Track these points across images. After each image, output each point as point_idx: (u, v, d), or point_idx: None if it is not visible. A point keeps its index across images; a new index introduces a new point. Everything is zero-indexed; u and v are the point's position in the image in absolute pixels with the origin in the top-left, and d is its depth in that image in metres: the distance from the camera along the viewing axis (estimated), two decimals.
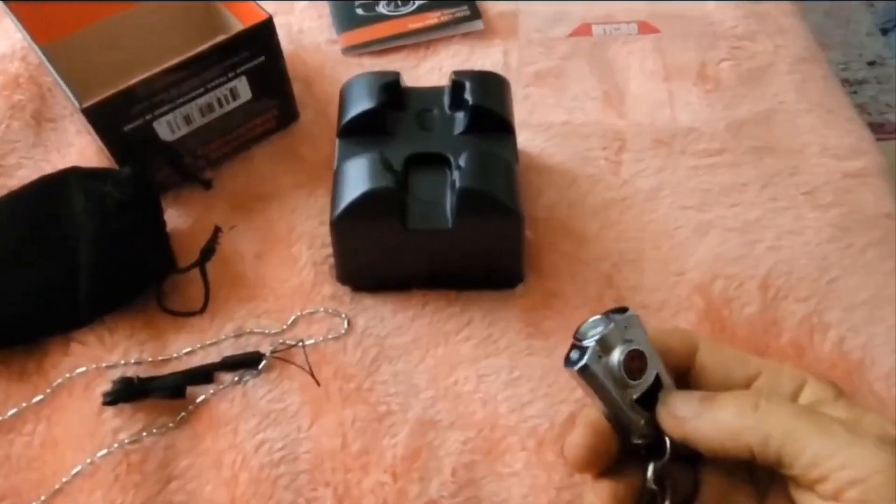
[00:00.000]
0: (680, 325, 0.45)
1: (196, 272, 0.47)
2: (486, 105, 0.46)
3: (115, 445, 0.41)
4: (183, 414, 0.42)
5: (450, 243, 0.44)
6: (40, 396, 0.43)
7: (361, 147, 0.45)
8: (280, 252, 0.49)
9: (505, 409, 0.42)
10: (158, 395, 0.42)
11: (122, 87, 0.45)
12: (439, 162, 0.44)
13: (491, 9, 0.63)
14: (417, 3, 0.63)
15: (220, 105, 0.50)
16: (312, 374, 0.43)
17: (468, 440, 0.41)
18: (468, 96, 0.46)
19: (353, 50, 0.61)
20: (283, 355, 0.44)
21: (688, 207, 0.50)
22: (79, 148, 0.55)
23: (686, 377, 0.35)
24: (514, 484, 0.40)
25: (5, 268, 0.45)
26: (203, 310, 0.46)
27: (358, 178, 0.43)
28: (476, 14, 0.62)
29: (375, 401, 0.43)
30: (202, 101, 0.49)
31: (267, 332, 0.45)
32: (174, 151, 0.50)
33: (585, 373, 0.32)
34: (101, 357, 0.44)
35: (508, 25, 0.62)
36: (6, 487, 0.40)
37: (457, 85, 0.46)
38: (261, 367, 0.43)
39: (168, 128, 0.48)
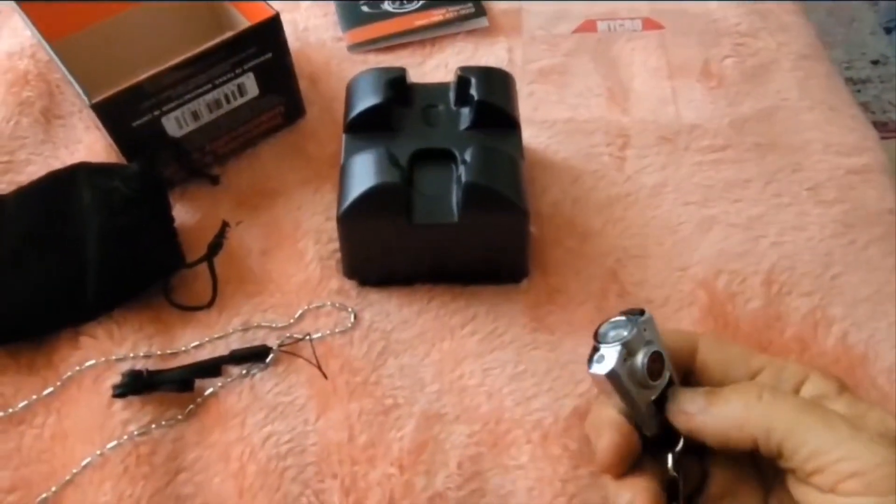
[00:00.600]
0: (684, 321, 0.46)
1: (203, 267, 0.47)
2: (491, 101, 0.46)
3: (125, 437, 0.41)
4: (191, 407, 0.43)
5: (455, 238, 0.44)
6: (50, 389, 0.43)
7: (368, 142, 0.45)
8: (287, 247, 0.49)
9: (510, 402, 0.42)
10: (167, 387, 0.42)
11: (131, 83, 0.45)
12: (445, 157, 0.44)
13: (495, 6, 0.64)
14: (422, 1, 0.63)
15: (228, 101, 0.50)
16: (320, 368, 0.44)
17: (474, 433, 0.42)
18: (474, 92, 0.46)
19: (358, 47, 0.61)
20: (290, 349, 0.44)
21: (691, 203, 0.51)
22: (87, 144, 0.55)
23: (689, 377, 0.36)
24: (520, 476, 0.40)
25: (15, 262, 0.46)
26: (211, 304, 0.47)
27: (364, 173, 0.43)
28: (480, 11, 0.62)
29: (381, 394, 0.43)
30: (210, 97, 0.49)
31: (274, 325, 0.46)
32: (182, 147, 0.50)
33: (613, 377, 0.32)
34: (110, 350, 0.44)
35: (512, 22, 0.62)
36: (17, 479, 0.41)
37: (462, 81, 0.47)
38: (268, 360, 0.44)
39: (176, 124, 0.49)
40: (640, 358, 0.33)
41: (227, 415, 0.43)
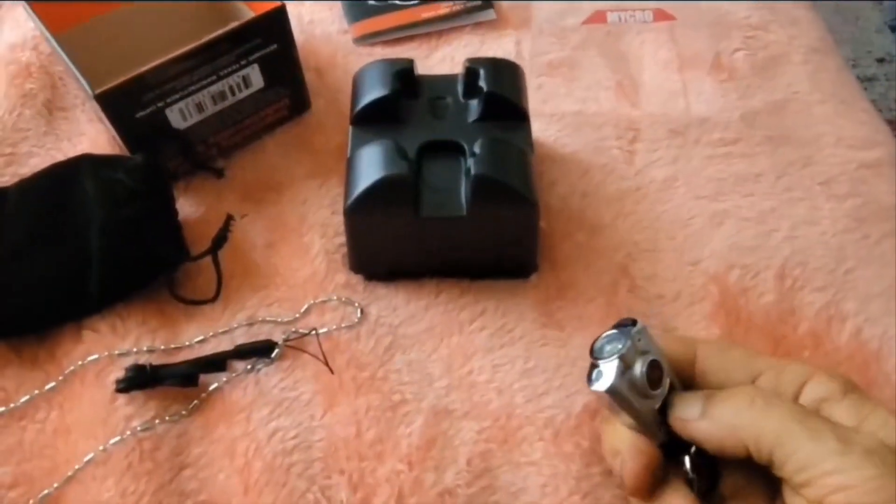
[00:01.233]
0: (695, 315, 0.45)
1: (208, 261, 0.47)
2: (500, 92, 0.45)
3: (128, 433, 0.40)
4: (195, 402, 0.42)
5: (463, 231, 0.43)
6: (52, 384, 0.43)
7: (375, 135, 0.44)
8: (292, 241, 0.49)
9: (521, 398, 0.42)
10: (171, 382, 0.42)
11: (134, 73, 0.45)
12: (453, 149, 0.44)
13: None
14: None
15: (233, 93, 0.50)
16: (326, 363, 0.43)
17: (483, 430, 0.41)
18: (482, 83, 0.45)
19: (364, 40, 0.61)
20: (296, 344, 0.44)
21: (702, 197, 0.50)
22: (90, 136, 0.54)
23: (690, 384, 0.35)
24: (532, 473, 0.39)
25: (17, 255, 0.45)
26: (215, 298, 0.46)
27: (371, 165, 0.42)
28: (488, 3, 0.62)
29: (389, 390, 0.42)
30: (214, 88, 0.48)
31: (279, 320, 0.45)
32: (186, 139, 0.49)
33: (613, 392, 0.32)
34: (113, 345, 0.44)
35: (520, 15, 0.62)
36: (19, 474, 0.40)
37: (471, 72, 0.46)
38: (273, 355, 0.43)
39: (180, 115, 0.48)
40: (638, 368, 0.33)
41: (232, 410, 0.42)
